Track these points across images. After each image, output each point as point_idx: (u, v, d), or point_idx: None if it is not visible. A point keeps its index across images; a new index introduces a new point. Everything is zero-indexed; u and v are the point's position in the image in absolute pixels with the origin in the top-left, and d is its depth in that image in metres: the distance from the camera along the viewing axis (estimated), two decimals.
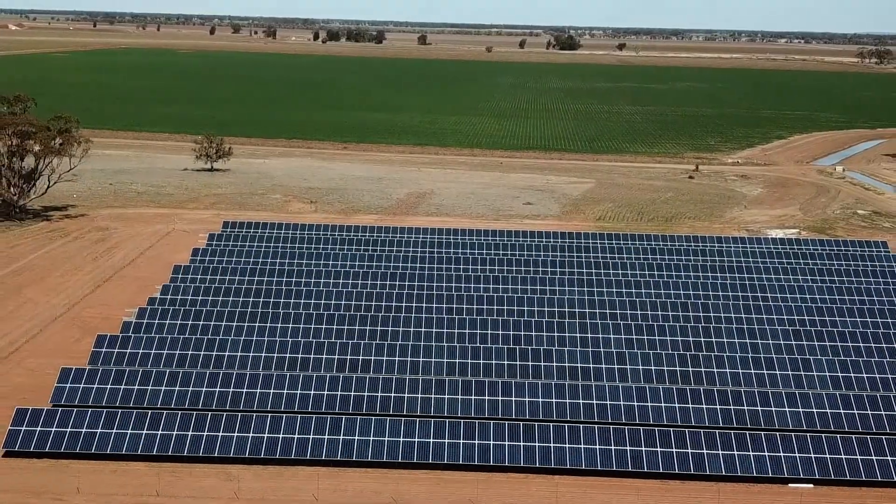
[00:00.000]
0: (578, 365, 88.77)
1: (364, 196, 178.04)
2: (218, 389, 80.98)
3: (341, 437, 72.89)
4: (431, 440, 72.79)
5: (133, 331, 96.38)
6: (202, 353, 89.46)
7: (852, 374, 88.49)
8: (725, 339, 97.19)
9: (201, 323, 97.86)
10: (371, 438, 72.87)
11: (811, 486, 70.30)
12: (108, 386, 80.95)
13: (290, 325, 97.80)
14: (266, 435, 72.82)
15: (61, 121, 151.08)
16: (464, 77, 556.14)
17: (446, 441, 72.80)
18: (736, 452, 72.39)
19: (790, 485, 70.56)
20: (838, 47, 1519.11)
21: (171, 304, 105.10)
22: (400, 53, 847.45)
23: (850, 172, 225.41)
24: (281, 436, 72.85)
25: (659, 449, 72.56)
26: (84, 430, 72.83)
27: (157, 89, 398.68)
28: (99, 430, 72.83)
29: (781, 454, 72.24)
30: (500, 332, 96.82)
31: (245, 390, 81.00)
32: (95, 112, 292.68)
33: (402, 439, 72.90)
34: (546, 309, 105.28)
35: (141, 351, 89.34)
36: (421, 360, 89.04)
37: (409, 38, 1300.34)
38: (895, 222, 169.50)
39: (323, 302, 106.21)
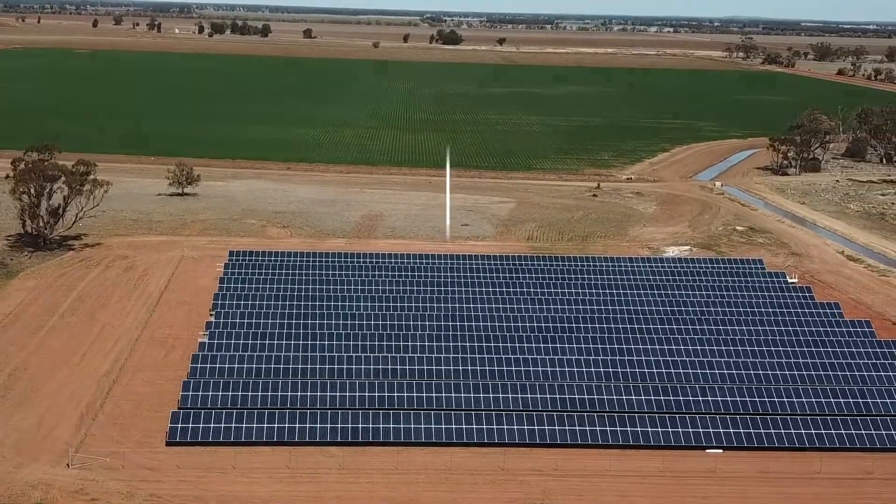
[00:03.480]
0: (549, 369, 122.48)
1: (326, 219, 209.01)
2: (299, 393, 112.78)
3: (402, 426, 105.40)
4: (463, 426, 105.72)
5: (208, 350, 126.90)
6: (272, 366, 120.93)
7: (743, 371, 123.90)
8: (650, 346, 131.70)
9: (258, 342, 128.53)
10: (422, 426, 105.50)
11: (721, 451, 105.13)
12: (220, 393, 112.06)
13: (327, 343, 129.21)
14: (350, 425, 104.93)
15: (82, 166, 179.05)
16: (362, 80, 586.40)
17: (474, 427, 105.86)
18: (670, 429, 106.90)
19: (707, 451, 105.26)
20: (706, 37, 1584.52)
21: (225, 326, 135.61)
22: (290, 51, 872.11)
23: (727, 187, 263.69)
24: (360, 426, 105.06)
25: (619, 428, 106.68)
26: (223, 426, 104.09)
27: (82, 102, 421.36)
28: (233, 425, 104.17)
29: (700, 430, 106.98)
30: (493, 345, 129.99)
31: (318, 394, 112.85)
32: (46, 130, 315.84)
33: (443, 426, 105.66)
34: (513, 324, 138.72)
35: (227, 365, 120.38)
36: (434, 368, 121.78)
37: (293, 28, 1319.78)
38: (768, 237, 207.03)
39: (341, 322, 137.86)
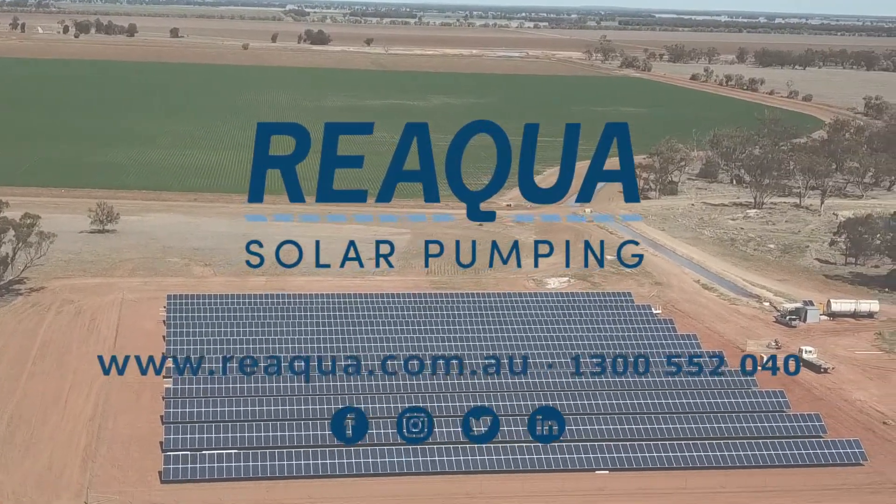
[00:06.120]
0: (465, 403, 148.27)
1: (243, 255, 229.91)
2: (262, 434, 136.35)
3: (353, 461, 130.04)
4: (403, 459, 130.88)
5: (175, 395, 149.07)
6: (238, 408, 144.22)
7: (621, 402, 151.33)
8: (544, 380, 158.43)
9: (217, 386, 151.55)
10: (370, 460, 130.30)
11: (607, 471, 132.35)
12: (197, 435, 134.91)
13: (275, 385, 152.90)
14: (311, 462, 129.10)
15: (28, 218, 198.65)
16: (240, 90, 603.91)
17: (412, 459, 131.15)
18: (567, 455, 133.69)
19: (596, 471, 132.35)
20: (566, 34, 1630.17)
21: (184, 372, 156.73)
22: (161, 54, 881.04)
23: (595, 214, 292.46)
24: (320, 461, 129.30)
25: (526, 456, 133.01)
26: (207, 465, 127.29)
27: None
28: (216, 465, 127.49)
29: (591, 455, 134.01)
30: (416, 382, 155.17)
31: (279, 434, 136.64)
32: None
33: (387, 460, 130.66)
34: (435, 361, 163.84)
35: (196, 409, 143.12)
36: (371, 406, 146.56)
37: (159, 26, 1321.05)
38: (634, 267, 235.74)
39: (284, 364, 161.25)
